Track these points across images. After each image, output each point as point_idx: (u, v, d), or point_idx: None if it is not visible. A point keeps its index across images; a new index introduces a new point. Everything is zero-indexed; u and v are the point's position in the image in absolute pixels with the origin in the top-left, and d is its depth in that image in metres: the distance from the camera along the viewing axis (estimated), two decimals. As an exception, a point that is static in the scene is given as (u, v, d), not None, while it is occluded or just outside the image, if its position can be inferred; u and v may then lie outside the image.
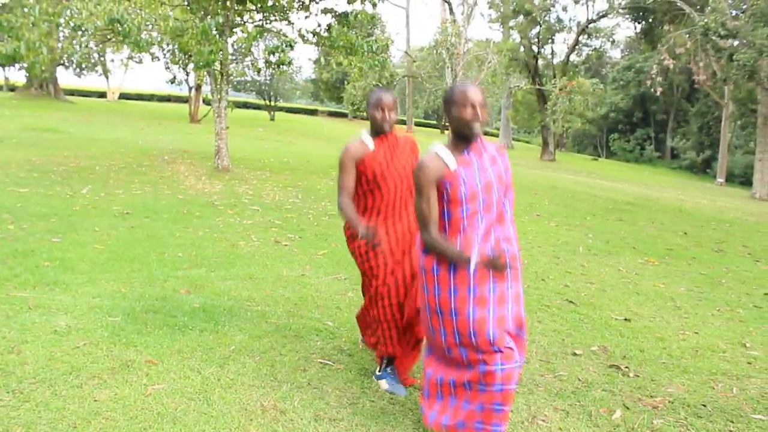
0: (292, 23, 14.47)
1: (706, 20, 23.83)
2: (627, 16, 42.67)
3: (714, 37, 24.00)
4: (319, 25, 14.03)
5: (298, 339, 4.27)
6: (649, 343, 4.83)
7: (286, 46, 12.50)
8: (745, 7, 24.08)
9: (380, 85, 38.98)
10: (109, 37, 13.69)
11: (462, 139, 2.90)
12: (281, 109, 46.38)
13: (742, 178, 37.73)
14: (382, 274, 3.63)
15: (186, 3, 13.20)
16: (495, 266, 2.76)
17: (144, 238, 6.96)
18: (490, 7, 38.69)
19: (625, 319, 5.43)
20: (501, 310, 2.88)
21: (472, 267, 2.78)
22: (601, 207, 13.65)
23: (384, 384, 3.67)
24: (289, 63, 13.27)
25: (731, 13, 24.66)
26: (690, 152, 47.70)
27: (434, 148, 2.92)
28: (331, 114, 59.56)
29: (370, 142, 3.67)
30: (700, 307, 6.11)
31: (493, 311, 2.85)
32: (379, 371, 3.75)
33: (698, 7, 28.72)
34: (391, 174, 3.66)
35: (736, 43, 23.89)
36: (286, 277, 5.83)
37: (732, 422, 3.51)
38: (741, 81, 25.76)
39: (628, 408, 3.65)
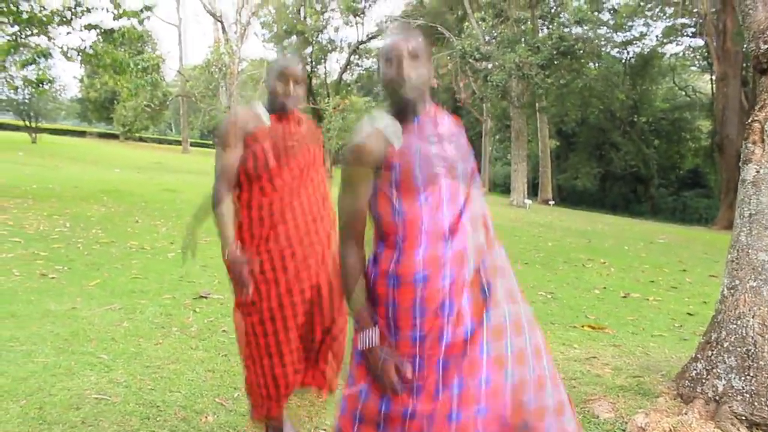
0: (53, 38, 13.51)
1: (462, 45, 26.04)
2: (395, 38, 45.21)
3: (471, 60, 26.30)
4: (84, 42, 13.25)
5: (69, 376, 4.03)
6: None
7: (39, 57, 11.61)
8: (495, 34, 26.62)
9: (153, 105, 37.54)
10: None
11: (400, 109, 2.05)
12: (45, 130, 42.75)
13: (503, 187, 41.57)
14: (267, 306, 2.80)
15: None
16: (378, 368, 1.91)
17: None
18: (263, 27, 39.02)
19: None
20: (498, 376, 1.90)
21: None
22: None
23: None
24: (51, 81, 12.40)
25: (485, 39, 27.16)
26: (457, 165, 51.77)
27: (375, 119, 2.03)
28: (102, 135, 56.20)
29: (265, 115, 2.76)
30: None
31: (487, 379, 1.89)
32: None
33: (457, 32, 31.22)
34: (290, 161, 2.74)
35: (490, 65, 26.35)
36: (54, 311, 5.45)
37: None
38: (496, 99, 28.41)
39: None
